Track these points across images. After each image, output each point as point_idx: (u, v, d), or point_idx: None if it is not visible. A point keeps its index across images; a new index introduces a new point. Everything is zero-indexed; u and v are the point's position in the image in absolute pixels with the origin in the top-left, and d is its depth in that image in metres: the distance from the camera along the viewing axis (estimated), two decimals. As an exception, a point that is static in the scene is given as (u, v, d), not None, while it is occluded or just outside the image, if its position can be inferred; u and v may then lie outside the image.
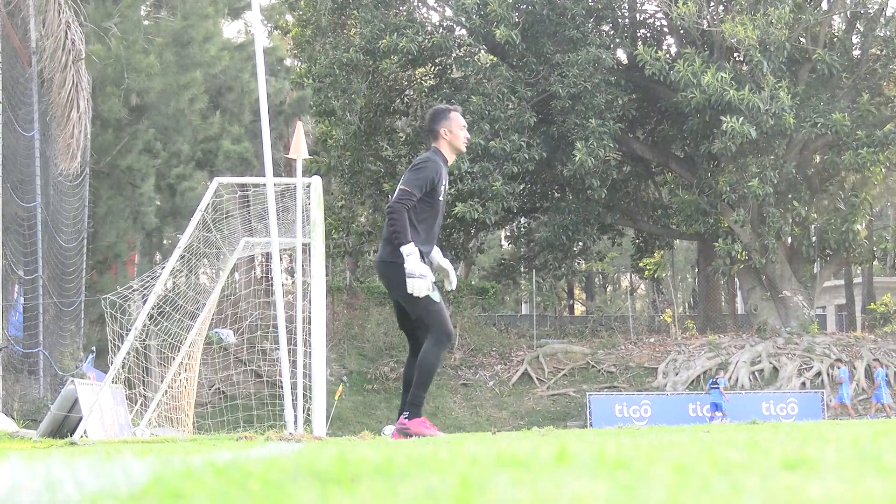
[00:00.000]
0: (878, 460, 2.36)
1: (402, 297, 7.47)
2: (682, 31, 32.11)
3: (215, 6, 25.39)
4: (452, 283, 7.72)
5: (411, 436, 7.24)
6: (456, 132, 7.65)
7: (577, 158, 28.51)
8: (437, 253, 7.71)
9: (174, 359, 15.30)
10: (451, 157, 7.74)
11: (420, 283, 7.23)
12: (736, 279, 35.92)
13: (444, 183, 7.56)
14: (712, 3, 30.66)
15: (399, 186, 7.42)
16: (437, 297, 7.39)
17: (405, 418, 7.36)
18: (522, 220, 39.57)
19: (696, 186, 31.64)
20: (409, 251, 7.22)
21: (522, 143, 29.47)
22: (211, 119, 26.08)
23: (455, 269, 7.97)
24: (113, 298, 13.38)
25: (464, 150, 7.80)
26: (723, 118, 27.83)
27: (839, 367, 28.47)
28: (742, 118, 27.61)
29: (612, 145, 29.66)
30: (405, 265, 7.22)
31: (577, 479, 2.01)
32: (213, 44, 25.14)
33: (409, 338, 7.74)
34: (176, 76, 23.96)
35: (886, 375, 28.06)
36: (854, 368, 29.76)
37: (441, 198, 7.57)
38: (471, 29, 30.44)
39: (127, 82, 23.07)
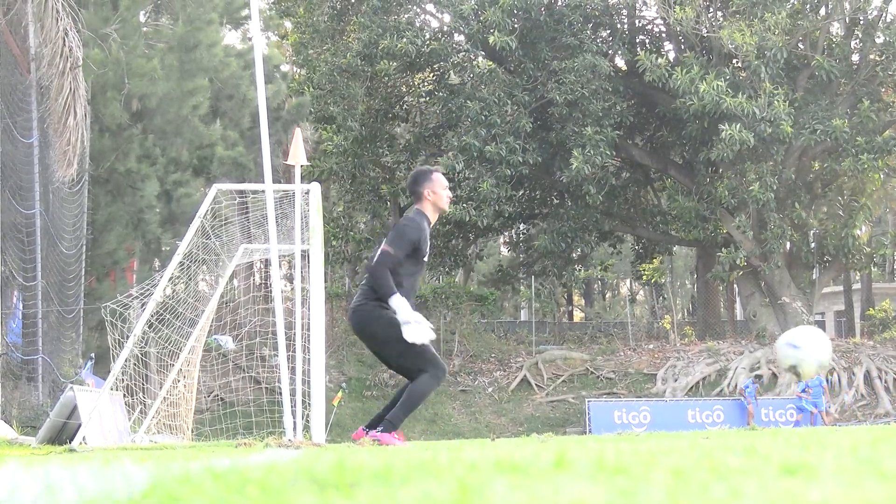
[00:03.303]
0: (877, 466, 2.36)
1: (376, 344, 7.54)
2: (680, 38, 32.15)
3: (216, 12, 25.38)
4: (407, 334, 7.32)
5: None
6: (439, 192, 7.70)
7: (573, 167, 28.54)
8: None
9: (173, 365, 15.29)
10: (434, 218, 7.80)
11: (416, 328, 7.25)
12: (735, 285, 35.90)
13: (427, 242, 7.63)
14: (711, 9, 30.70)
15: (381, 247, 7.45)
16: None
17: (378, 431, 7.31)
18: (521, 226, 39.58)
19: (695, 193, 31.66)
20: (397, 303, 7.25)
21: (517, 146, 29.49)
22: (212, 126, 26.09)
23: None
24: (113, 307, 13.38)
25: (447, 209, 7.84)
26: (721, 126, 27.85)
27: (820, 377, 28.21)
28: (740, 125, 27.64)
29: (608, 153, 29.65)
30: (398, 317, 7.24)
31: (576, 485, 2.01)
32: (219, 48, 25.14)
33: (402, 375, 7.73)
34: (179, 81, 23.95)
35: (828, 382, 28.05)
36: (853, 374, 29.76)
37: (425, 258, 7.66)
38: (469, 35, 30.49)
39: (128, 87, 23.07)
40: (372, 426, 7.41)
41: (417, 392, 7.40)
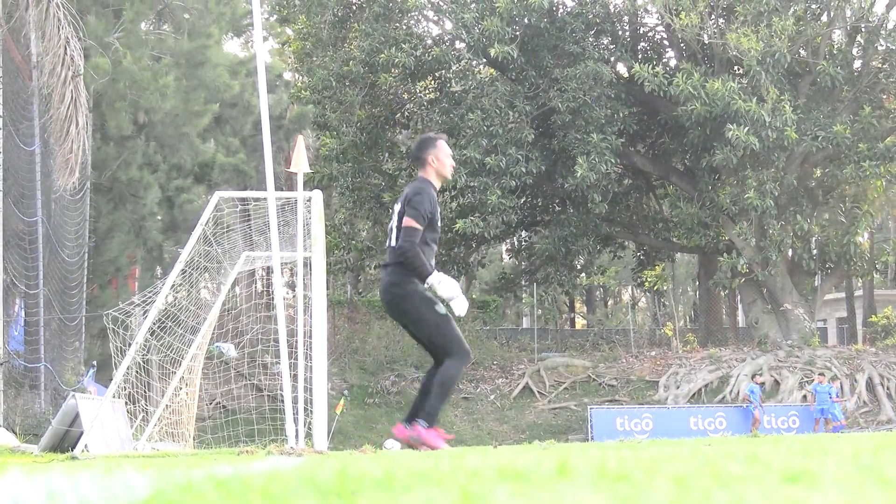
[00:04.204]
0: (879, 473, 2.35)
1: (410, 322, 7.55)
2: (682, 45, 32.16)
3: (218, 24, 25.41)
4: (457, 309, 7.59)
5: (421, 444, 7.22)
6: (443, 160, 7.72)
7: (578, 174, 28.52)
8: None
9: (175, 373, 15.28)
10: (437, 184, 7.82)
11: (461, 301, 7.45)
12: (737, 292, 35.87)
13: (438, 211, 7.70)
14: (713, 16, 30.73)
15: (403, 225, 7.45)
16: (442, 309, 7.44)
17: (421, 427, 7.32)
18: (523, 233, 39.58)
19: (696, 199, 31.66)
20: (438, 279, 7.37)
21: (520, 156, 29.49)
22: (215, 137, 26.16)
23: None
24: (115, 314, 13.38)
25: (450, 177, 7.87)
26: (729, 125, 27.86)
27: (823, 383, 27.60)
28: (747, 128, 27.67)
29: (613, 160, 29.66)
30: (440, 293, 7.38)
31: (578, 492, 2.01)
32: (222, 69, 25.19)
33: (431, 353, 7.74)
34: (186, 100, 24.01)
35: (838, 391, 27.85)
36: (856, 381, 29.72)
37: (439, 223, 7.72)
38: (469, 44, 30.49)
39: (130, 98, 23.10)
40: (410, 419, 7.40)
41: (448, 378, 7.47)
